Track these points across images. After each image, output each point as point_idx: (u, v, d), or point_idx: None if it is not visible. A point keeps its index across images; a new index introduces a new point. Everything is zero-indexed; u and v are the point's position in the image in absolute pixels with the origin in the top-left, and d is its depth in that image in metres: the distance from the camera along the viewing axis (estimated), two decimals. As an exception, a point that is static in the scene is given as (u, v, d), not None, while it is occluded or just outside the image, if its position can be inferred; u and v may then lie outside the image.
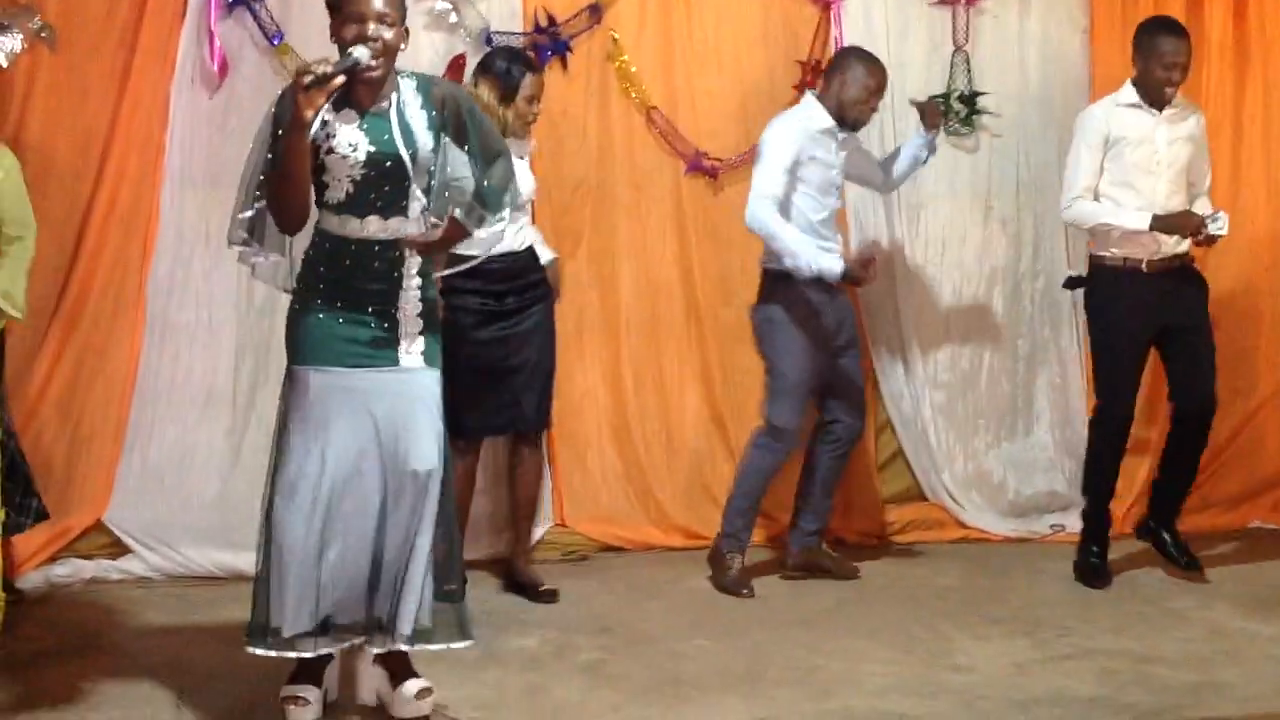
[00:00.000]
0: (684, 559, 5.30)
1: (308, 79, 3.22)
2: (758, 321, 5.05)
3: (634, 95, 5.48)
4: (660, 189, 5.54)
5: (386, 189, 3.44)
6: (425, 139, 3.46)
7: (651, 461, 5.54)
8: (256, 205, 3.46)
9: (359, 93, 3.42)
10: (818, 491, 5.14)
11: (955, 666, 4.18)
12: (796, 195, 4.93)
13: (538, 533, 5.25)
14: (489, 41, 5.24)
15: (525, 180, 4.65)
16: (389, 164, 3.42)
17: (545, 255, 4.90)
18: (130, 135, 4.90)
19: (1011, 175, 5.87)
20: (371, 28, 3.33)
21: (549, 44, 5.33)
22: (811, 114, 5.02)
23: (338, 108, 3.40)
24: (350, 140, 3.39)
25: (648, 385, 5.55)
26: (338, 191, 3.42)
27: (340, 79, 3.27)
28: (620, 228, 5.46)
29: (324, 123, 3.37)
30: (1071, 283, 5.36)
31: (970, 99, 5.78)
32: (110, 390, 4.92)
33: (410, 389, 3.49)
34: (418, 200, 3.48)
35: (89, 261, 4.86)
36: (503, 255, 4.54)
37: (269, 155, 3.40)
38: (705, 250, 5.59)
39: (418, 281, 3.51)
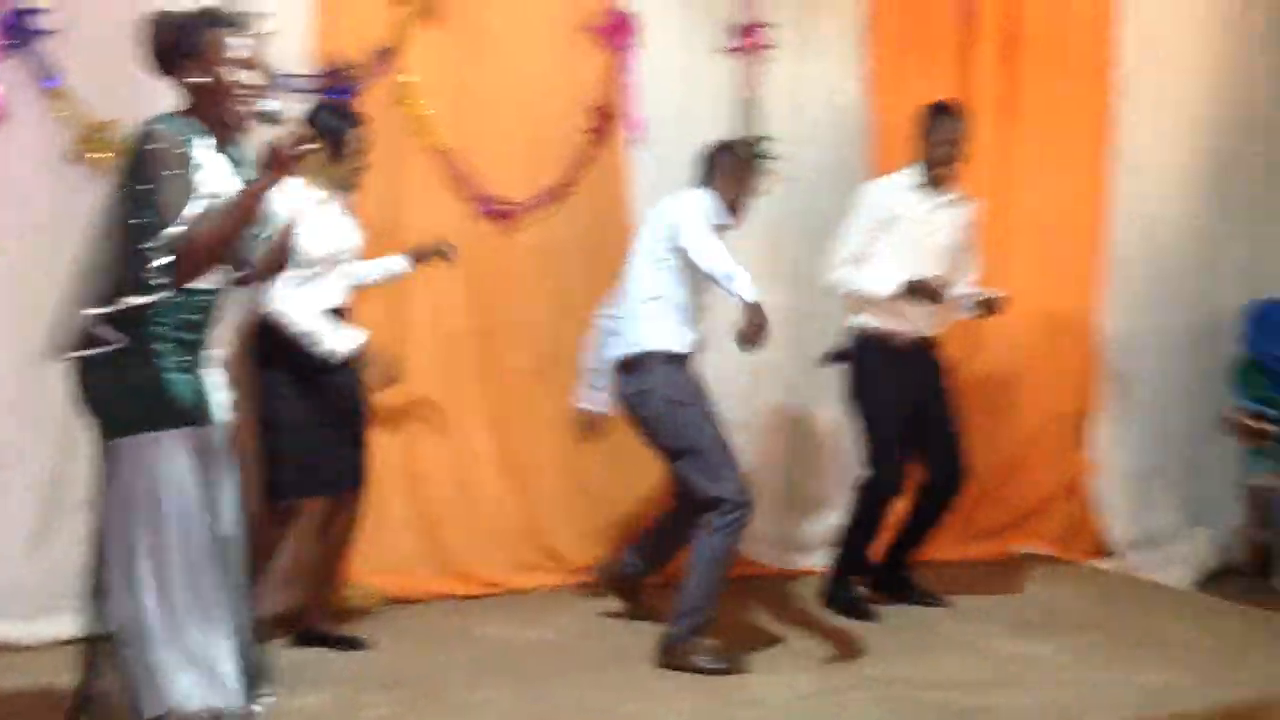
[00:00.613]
0: (474, 607, 5.32)
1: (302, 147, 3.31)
2: None
3: (426, 140, 5.50)
4: (453, 235, 5.49)
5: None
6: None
7: (442, 509, 5.54)
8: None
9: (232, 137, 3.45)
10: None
11: (747, 701, 4.29)
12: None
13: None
14: (281, 86, 5.20)
15: (353, 234, 4.66)
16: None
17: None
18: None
19: (797, 220, 6.06)
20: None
21: (339, 88, 5.31)
22: None
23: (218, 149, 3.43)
24: (224, 191, 3.37)
25: (439, 435, 5.56)
26: None
27: None
28: (415, 272, 5.47)
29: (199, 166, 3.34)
30: (831, 358, 5.48)
31: (757, 144, 5.95)
32: None
33: (222, 446, 3.52)
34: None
35: None
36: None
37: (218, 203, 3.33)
38: (498, 295, 5.63)
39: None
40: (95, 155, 4.91)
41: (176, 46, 3.41)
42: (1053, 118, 6.37)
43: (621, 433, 5.43)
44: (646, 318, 4.67)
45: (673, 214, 4.65)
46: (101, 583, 3.40)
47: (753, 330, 4.23)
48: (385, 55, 5.42)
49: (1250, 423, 6.17)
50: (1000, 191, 6.26)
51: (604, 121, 5.77)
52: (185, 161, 3.30)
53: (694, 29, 5.95)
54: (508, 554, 5.54)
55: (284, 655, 4.64)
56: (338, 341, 4.47)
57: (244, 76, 3.38)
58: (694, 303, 4.73)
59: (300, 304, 4.42)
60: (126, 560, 3.32)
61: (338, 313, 4.64)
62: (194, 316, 3.38)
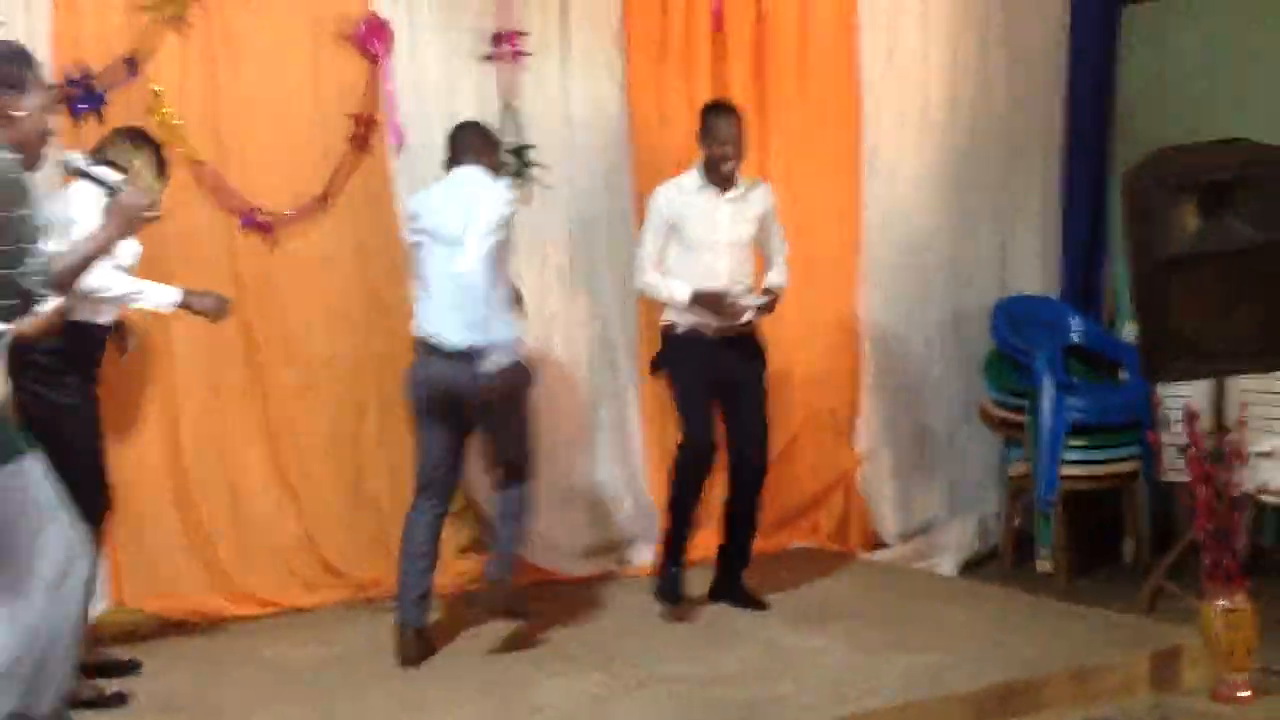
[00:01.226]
0: (256, 628, 5.18)
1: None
2: None
3: (180, 150, 5.31)
4: (214, 247, 5.39)
5: None
6: None
7: (216, 528, 5.37)
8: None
9: None
10: None
11: (535, 706, 4.27)
12: None
13: (92, 614, 4.95)
14: (18, 95, 4.95)
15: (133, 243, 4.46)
16: None
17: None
18: None
19: (563, 225, 6.09)
20: None
21: (82, 97, 5.09)
22: None
23: None
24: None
25: (209, 448, 5.39)
26: None
27: None
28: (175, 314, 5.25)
29: None
30: (654, 367, 5.52)
31: (520, 152, 5.96)
32: None
33: None
34: None
35: None
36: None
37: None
38: (266, 308, 5.49)
39: None
40: None
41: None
42: (803, 124, 6.53)
43: (399, 445, 5.37)
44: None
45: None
46: None
47: None
48: (130, 64, 5.21)
49: (1000, 414, 6.44)
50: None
51: (365, 129, 5.68)
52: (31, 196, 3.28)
53: (452, 36, 5.91)
54: (287, 572, 5.39)
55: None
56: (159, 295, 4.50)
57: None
58: None
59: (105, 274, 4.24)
60: None
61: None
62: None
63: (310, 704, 4.32)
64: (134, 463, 5.18)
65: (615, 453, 6.18)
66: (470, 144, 4.94)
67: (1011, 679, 4.44)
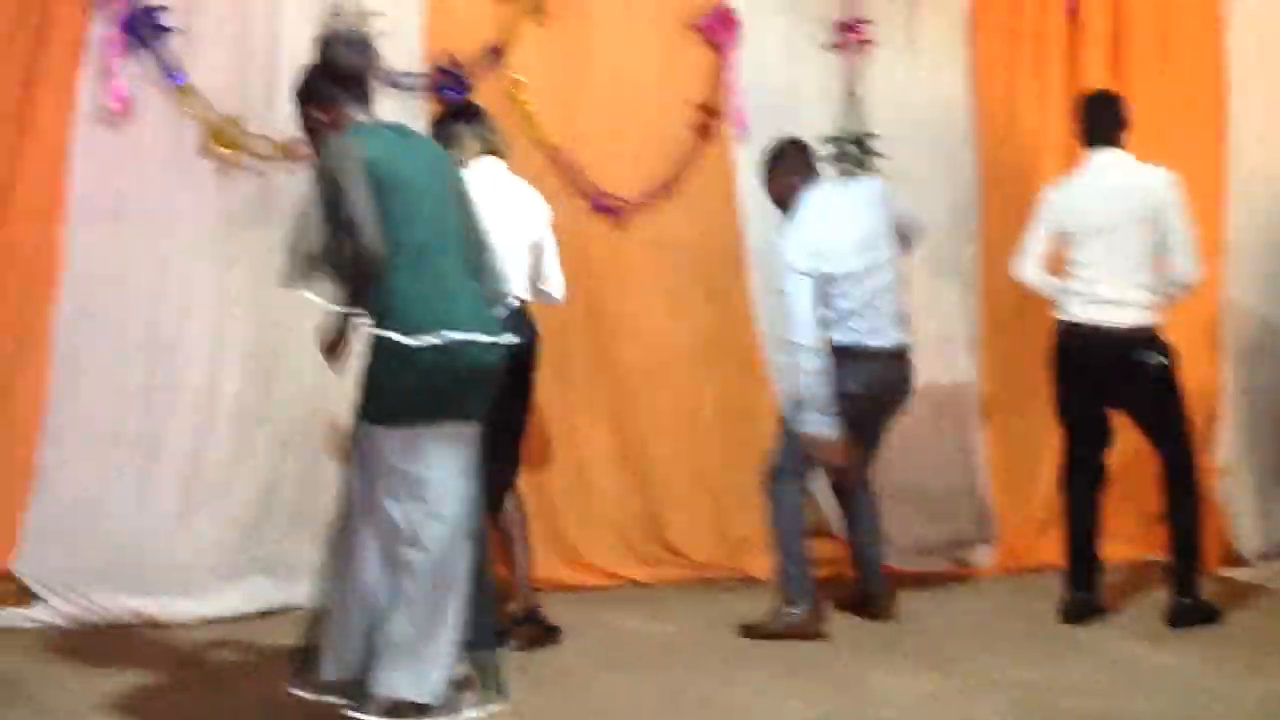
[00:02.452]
0: (596, 598, 5.31)
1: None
2: None
3: (536, 136, 5.51)
4: (565, 229, 5.50)
5: None
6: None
7: (564, 502, 5.52)
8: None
9: None
10: None
11: (870, 700, 4.21)
12: None
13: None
14: (393, 85, 5.24)
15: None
16: None
17: None
18: (32, 172, 4.79)
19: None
20: None
21: (451, 85, 5.34)
22: None
23: None
24: None
25: (556, 425, 5.54)
26: None
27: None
28: (526, 269, 5.47)
29: None
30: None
31: (861, 141, 5.92)
32: (16, 431, 4.77)
33: None
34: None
35: (-10, 300, 4.71)
36: None
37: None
38: (611, 290, 5.63)
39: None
40: (223, 150, 4.98)
41: None
42: (1164, 116, 6.19)
43: (740, 428, 5.43)
44: None
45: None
46: None
47: None
48: (494, 53, 5.44)
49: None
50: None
51: (709, 118, 5.76)
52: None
53: (796, 25, 5.93)
54: (627, 547, 5.53)
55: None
56: None
57: None
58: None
59: None
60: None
61: None
62: None
63: (656, 677, 4.39)
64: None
65: (955, 451, 6.05)
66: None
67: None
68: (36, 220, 4.80)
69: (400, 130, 3.68)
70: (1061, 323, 5.09)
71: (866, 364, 4.84)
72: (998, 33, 6.13)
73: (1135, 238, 5.01)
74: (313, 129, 3.58)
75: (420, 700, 3.37)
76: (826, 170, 5.56)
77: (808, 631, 4.79)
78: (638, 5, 5.72)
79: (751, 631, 4.83)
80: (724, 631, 4.90)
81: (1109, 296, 4.99)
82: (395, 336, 3.36)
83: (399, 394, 3.40)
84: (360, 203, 3.33)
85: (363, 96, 3.59)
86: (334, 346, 3.51)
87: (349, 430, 3.52)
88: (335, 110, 3.52)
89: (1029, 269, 5.16)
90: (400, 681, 3.36)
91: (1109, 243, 5.00)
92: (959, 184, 6.08)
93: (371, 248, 3.32)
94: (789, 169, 4.99)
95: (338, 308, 3.43)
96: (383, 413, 3.42)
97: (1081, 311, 5.02)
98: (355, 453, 3.48)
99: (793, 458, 4.87)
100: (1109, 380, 5.04)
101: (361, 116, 3.55)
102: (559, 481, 5.55)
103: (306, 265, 3.38)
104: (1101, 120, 5.14)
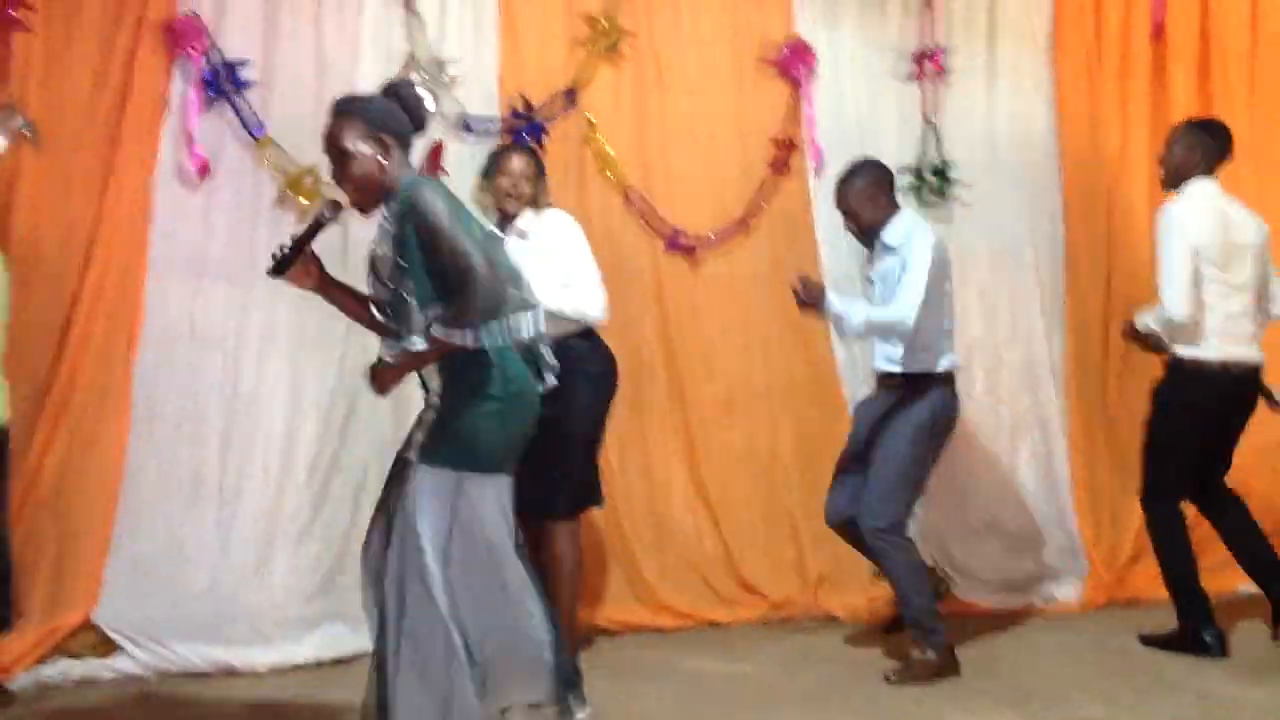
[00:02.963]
0: (674, 640, 5.29)
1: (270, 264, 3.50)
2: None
3: (610, 176, 5.55)
4: (640, 268, 5.58)
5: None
6: (384, 252, 3.49)
7: (640, 541, 5.53)
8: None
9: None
10: None
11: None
12: None
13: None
14: (467, 128, 5.31)
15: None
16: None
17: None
18: (114, 228, 4.90)
19: (985, 245, 5.94)
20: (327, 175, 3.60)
21: (525, 128, 5.39)
22: None
23: None
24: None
25: (632, 464, 5.55)
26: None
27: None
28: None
29: None
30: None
31: (941, 170, 5.87)
32: (98, 483, 4.86)
33: (398, 480, 3.54)
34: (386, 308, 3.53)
35: (75, 354, 4.82)
36: None
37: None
38: (686, 328, 5.63)
39: (429, 389, 3.56)
40: (300, 200, 5.08)
41: None
42: (1252, 137, 6.06)
43: (818, 465, 5.39)
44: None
45: None
46: None
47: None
48: (570, 95, 5.48)
49: None
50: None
51: (786, 152, 5.74)
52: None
53: (872, 57, 5.92)
54: (704, 587, 5.50)
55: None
56: None
57: None
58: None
59: None
60: None
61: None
62: None
63: (730, 717, 4.36)
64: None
65: (1040, 484, 5.94)
66: None
67: None
68: (119, 273, 4.91)
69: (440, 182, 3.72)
70: (1190, 359, 4.91)
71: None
72: (1080, 56, 6.08)
73: (1250, 270, 4.94)
74: (353, 160, 3.50)
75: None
76: (906, 200, 5.52)
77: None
78: (710, 43, 5.74)
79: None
80: (802, 671, 4.86)
81: (1238, 332, 4.90)
82: (501, 384, 3.46)
83: (494, 440, 3.48)
84: (475, 246, 3.37)
85: (409, 150, 3.64)
86: (388, 386, 3.52)
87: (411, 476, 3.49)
88: (393, 153, 3.53)
89: (1188, 304, 4.81)
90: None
91: (1234, 275, 4.91)
92: (1042, 211, 6.02)
93: (496, 288, 3.36)
94: (883, 190, 4.90)
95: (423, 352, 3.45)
96: (476, 458, 3.47)
97: (1217, 348, 4.89)
98: (428, 498, 3.46)
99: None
100: (1234, 415, 4.98)
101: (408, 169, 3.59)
102: (635, 521, 5.55)
103: (419, 316, 3.43)
104: (1215, 148, 5.00)
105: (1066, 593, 5.72)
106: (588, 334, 4.62)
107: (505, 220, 4.66)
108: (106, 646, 4.80)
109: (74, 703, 4.55)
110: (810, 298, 4.70)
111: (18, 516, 4.68)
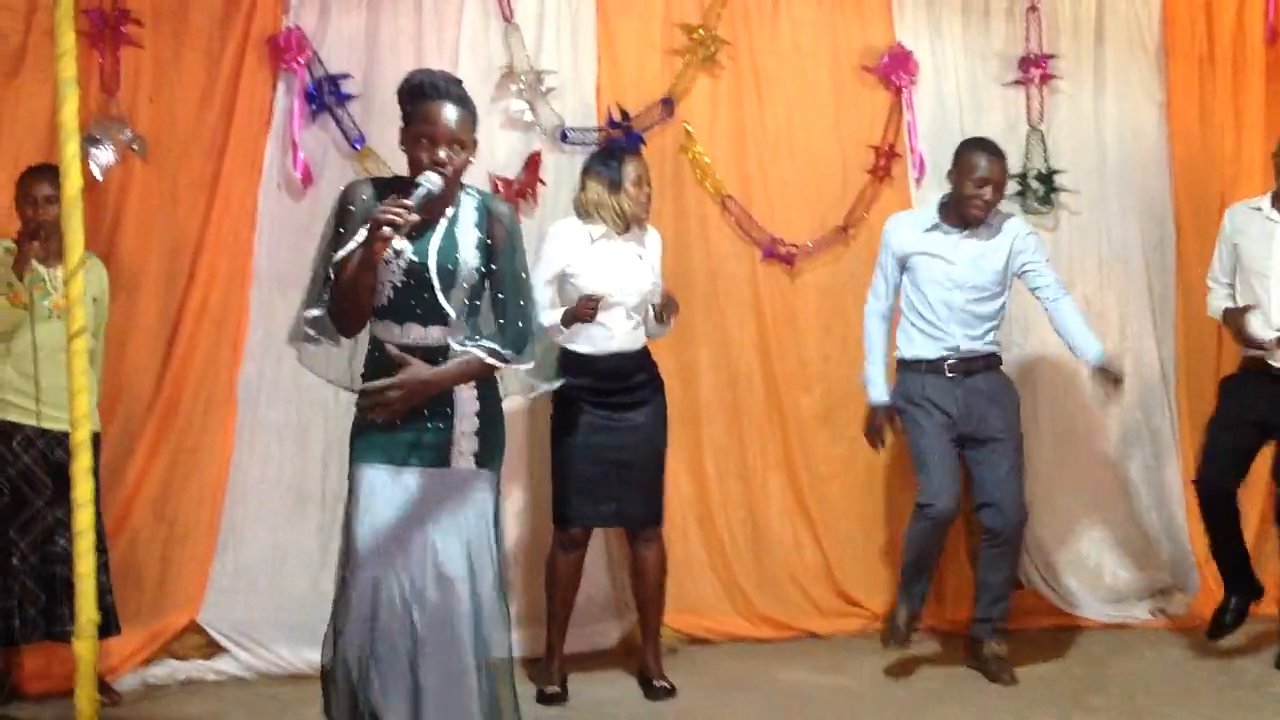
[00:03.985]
0: (771, 651, 5.25)
1: (388, 230, 3.15)
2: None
3: (708, 185, 5.54)
4: (737, 277, 5.56)
5: (425, 297, 3.36)
6: (470, 256, 3.39)
7: (736, 551, 5.50)
8: (321, 308, 3.37)
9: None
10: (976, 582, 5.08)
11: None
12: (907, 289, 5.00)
13: (623, 625, 5.25)
14: (564, 138, 5.34)
15: (645, 277, 4.71)
16: (426, 274, 3.35)
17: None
18: (219, 239, 5.00)
19: (1093, 253, 5.83)
20: (443, 152, 3.31)
21: (623, 138, 5.40)
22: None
23: None
24: (397, 248, 3.28)
25: (730, 474, 5.53)
26: (380, 296, 3.36)
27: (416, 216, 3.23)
28: (698, 316, 5.46)
29: None
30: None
31: (1047, 177, 5.78)
32: (203, 490, 4.97)
33: (456, 490, 3.42)
34: (458, 311, 3.40)
35: (181, 363, 4.93)
36: (613, 354, 4.67)
37: (333, 259, 3.30)
38: (784, 337, 5.59)
39: (470, 388, 3.44)
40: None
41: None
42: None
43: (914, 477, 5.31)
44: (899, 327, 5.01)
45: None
46: None
47: None
48: (667, 104, 5.48)
49: None
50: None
51: (886, 160, 5.68)
52: (340, 217, 3.36)
53: (976, 63, 5.84)
54: (803, 597, 5.46)
55: (587, 691, 4.75)
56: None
57: (432, 153, 3.33)
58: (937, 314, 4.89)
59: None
60: None
61: None
62: (383, 367, 3.32)
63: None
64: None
65: (1150, 495, 5.81)
66: None
67: None
68: (224, 285, 5.01)
69: None
70: None
71: None
72: (1191, 61, 5.95)
73: None
74: (467, 152, 3.40)
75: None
76: (1012, 207, 5.44)
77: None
78: (810, 52, 5.69)
79: None
80: (900, 684, 4.81)
81: None
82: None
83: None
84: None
85: None
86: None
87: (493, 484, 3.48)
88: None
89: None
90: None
91: None
92: (1152, 217, 5.90)
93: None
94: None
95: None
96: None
97: None
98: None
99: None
100: None
101: None
102: (732, 531, 5.51)
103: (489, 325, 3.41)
104: None
105: (1177, 607, 5.57)
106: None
107: (624, 229, 4.72)
108: (211, 648, 4.91)
109: (178, 703, 4.64)
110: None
111: (124, 522, 4.82)
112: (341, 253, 3.24)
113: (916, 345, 4.95)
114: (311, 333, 3.39)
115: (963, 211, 4.90)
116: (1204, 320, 5.78)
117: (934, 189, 5.60)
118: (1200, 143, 5.91)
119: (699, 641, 5.34)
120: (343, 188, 3.46)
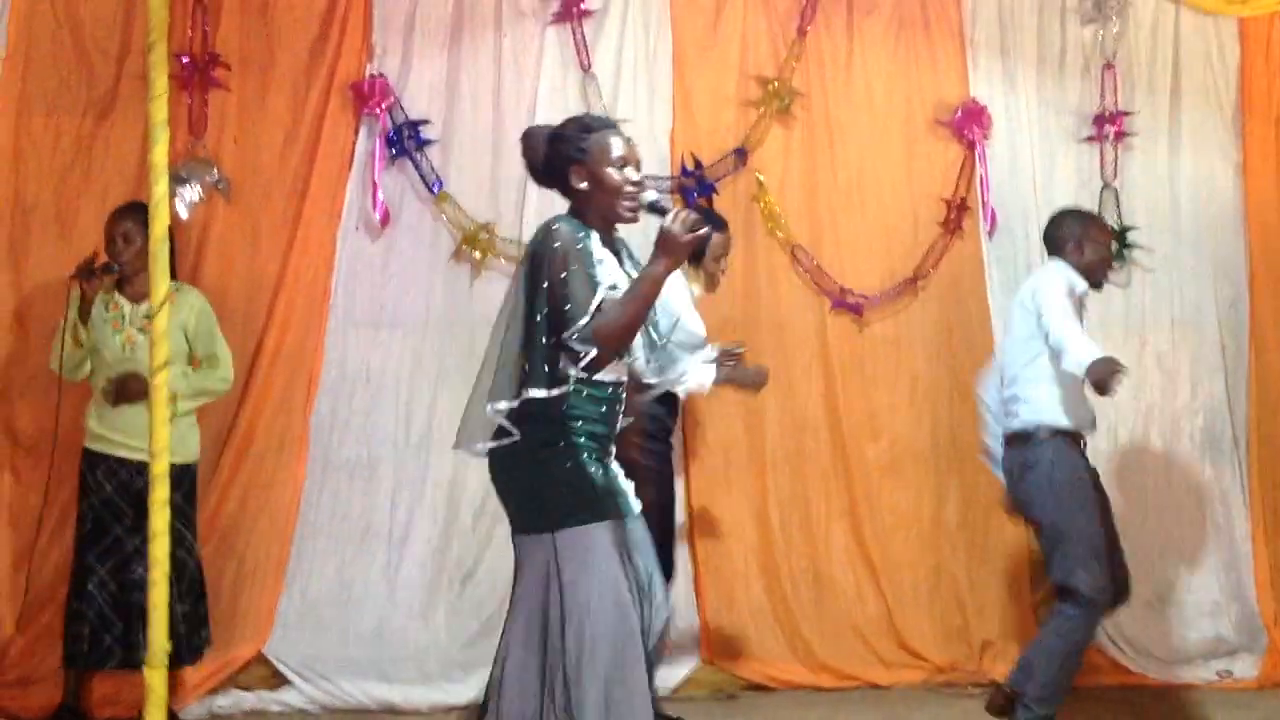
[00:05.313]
0: (832, 700, 5.23)
1: (693, 231, 3.20)
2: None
3: (778, 234, 5.57)
4: (805, 327, 5.58)
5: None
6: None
7: (799, 600, 5.49)
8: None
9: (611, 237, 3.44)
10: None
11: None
12: None
13: (683, 671, 5.25)
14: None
15: (697, 324, 4.67)
16: None
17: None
18: (298, 279, 5.12)
19: (1166, 311, 5.80)
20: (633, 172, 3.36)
21: (695, 186, 5.45)
22: None
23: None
24: (618, 282, 3.32)
25: (794, 522, 5.53)
26: None
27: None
28: (766, 365, 5.45)
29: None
30: None
31: (1120, 234, 5.74)
32: (274, 525, 5.06)
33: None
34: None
35: (257, 400, 5.04)
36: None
37: (610, 290, 3.26)
38: (851, 387, 5.59)
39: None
40: (477, 254, 5.24)
41: (559, 155, 3.41)
42: None
43: (983, 529, 5.30)
44: (1033, 393, 4.53)
45: (1034, 288, 4.55)
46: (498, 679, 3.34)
47: (1099, 384, 4.14)
48: (740, 154, 5.53)
49: None
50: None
51: (958, 213, 5.69)
52: (586, 257, 3.28)
53: (1050, 119, 5.83)
54: (864, 648, 5.43)
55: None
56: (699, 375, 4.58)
57: (627, 174, 3.36)
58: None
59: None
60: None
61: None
62: (602, 409, 3.34)
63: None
64: (728, 529, 5.44)
65: (1219, 556, 5.73)
66: None
67: None
68: (301, 323, 5.12)
69: None
70: None
71: None
72: (1268, 121, 5.91)
73: None
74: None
75: None
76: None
77: None
78: (884, 104, 5.72)
79: None
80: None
81: None
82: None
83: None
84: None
85: None
86: None
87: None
88: None
89: None
90: None
91: None
92: (1226, 276, 5.86)
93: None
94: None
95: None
96: (606, 506, 3.30)
97: None
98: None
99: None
100: None
101: None
102: (795, 579, 5.51)
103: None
104: None
105: (1245, 669, 5.49)
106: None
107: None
108: (276, 680, 4.98)
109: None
110: None
111: (197, 550, 4.91)
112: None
113: (1076, 415, 4.55)
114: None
115: (1104, 276, 4.76)
116: (1278, 382, 5.74)
117: (1007, 243, 5.64)
118: (1275, 203, 5.86)
119: (759, 688, 5.33)
120: (559, 227, 3.30)
